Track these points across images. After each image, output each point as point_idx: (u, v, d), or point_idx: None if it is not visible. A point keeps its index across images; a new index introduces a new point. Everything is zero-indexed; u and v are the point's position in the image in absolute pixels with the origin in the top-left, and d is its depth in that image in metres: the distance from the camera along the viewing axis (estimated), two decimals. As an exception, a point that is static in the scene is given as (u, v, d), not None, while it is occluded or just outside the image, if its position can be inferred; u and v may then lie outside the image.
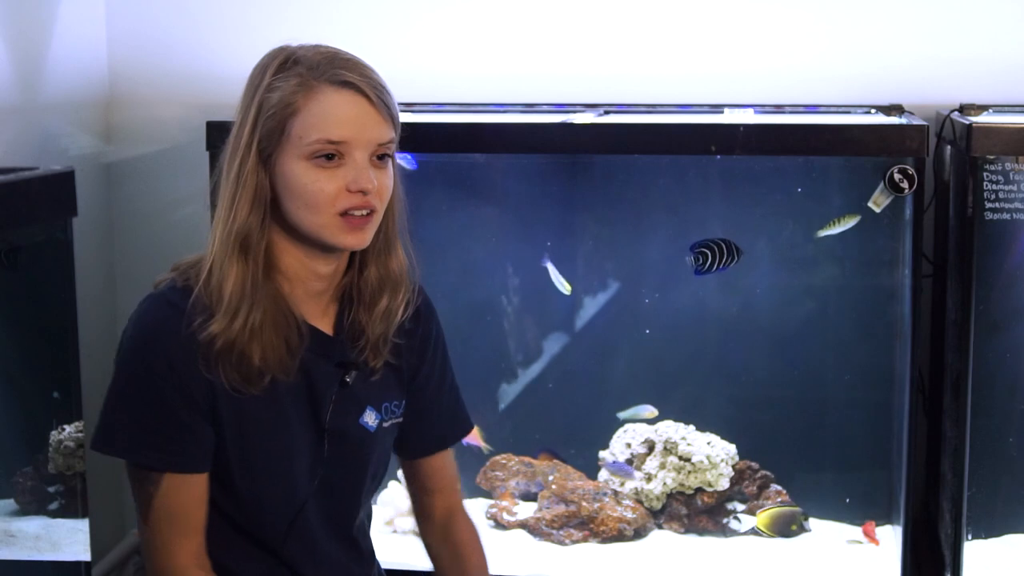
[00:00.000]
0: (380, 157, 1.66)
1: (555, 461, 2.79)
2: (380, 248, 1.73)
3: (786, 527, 2.60)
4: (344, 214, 1.63)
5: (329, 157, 1.62)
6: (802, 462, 2.72)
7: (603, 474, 2.73)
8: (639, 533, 2.68)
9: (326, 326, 1.73)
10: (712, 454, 2.68)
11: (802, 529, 2.61)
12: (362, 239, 1.65)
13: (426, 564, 1.95)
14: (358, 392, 1.75)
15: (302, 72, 1.62)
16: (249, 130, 1.64)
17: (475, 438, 2.73)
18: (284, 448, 1.70)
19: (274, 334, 1.64)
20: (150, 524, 1.66)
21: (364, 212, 1.64)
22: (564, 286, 2.67)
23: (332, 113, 1.61)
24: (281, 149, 1.63)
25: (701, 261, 2.46)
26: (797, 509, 2.61)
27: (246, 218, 1.63)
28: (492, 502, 2.77)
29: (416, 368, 1.83)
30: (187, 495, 1.66)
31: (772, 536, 2.60)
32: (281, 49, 1.67)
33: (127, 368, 1.65)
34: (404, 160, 2.45)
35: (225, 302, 1.61)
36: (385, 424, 1.79)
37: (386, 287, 1.73)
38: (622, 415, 2.74)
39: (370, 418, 1.76)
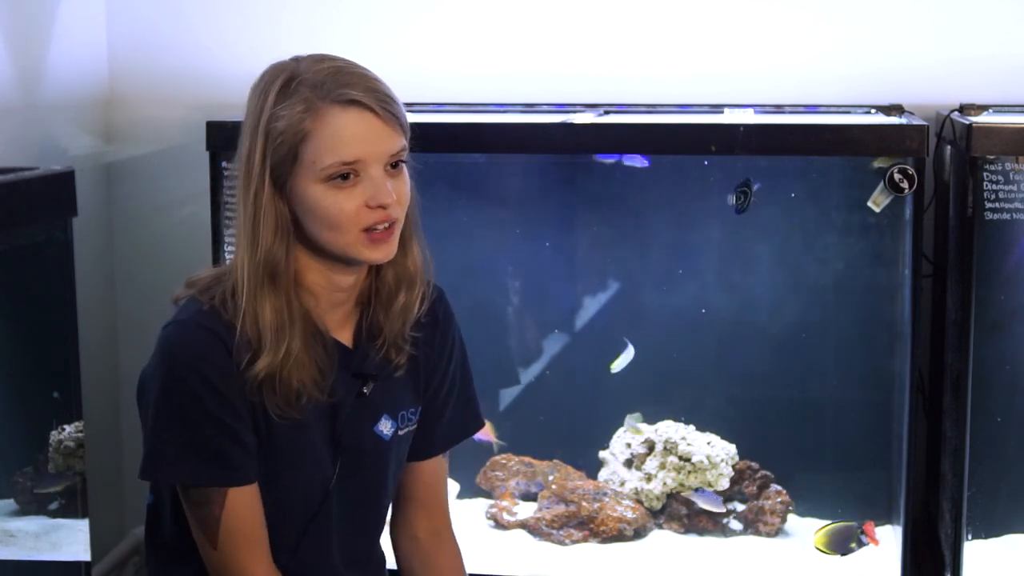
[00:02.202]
0: (394, 165, 1.65)
1: (556, 461, 2.79)
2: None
3: (844, 544, 2.53)
4: (367, 230, 1.63)
5: (344, 177, 1.61)
6: (802, 462, 2.72)
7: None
8: (639, 533, 2.68)
9: (345, 337, 1.73)
10: (712, 454, 2.68)
11: (860, 544, 2.53)
12: (388, 251, 1.66)
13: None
14: (375, 401, 1.75)
15: (307, 95, 1.60)
16: (260, 159, 1.62)
17: (487, 434, 2.74)
18: (305, 459, 1.70)
19: (306, 355, 1.64)
20: (220, 546, 1.65)
21: (386, 225, 1.64)
22: (622, 360, 2.69)
23: (342, 134, 1.60)
24: (295, 175, 1.62)
25: (743, 200, 2.44)
26: (853, 524, 2.56)
27: (271, 247, 1.62)
28: (492, 502, 2.77)
29: (432, 374, 1.83)
30: (250, 508, 1.66)
31: (831, 554, 2.53)
32: (280, 68, 1.64)
33: (168, 395, 1.63)
34: (636, 160, 2.45)
35: (267, 336, 1.61)
36: (400, 432, 1.79)
37: (403, 285, 1.74)
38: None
39: (385, 427, 1.76)
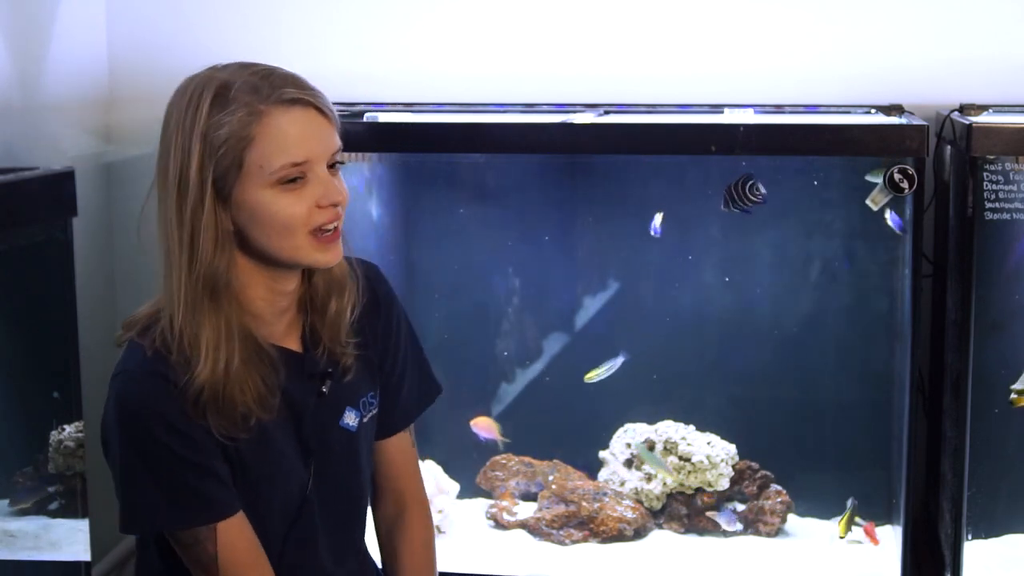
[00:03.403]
0: (332, 165, 1.63)
1: (556, 461, 2.80)
2: None
3: (853, 520, 2.60)
4: (316, 232, 1.60)
5: (293, 179, 1.58)
6: (802, 462, 2.72)
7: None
8: (639, 533, 2.68)
9: (294, 343, 1.71)
10: (712, 454, 2.68)
11: (854, 506, 2.61)
12: (337, 254, 1.64)
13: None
14: (335, 396, 1.74)
15: (247, 100, 1.57)
16: (197, 172, 1.57)
17: (492, 432, 2.74)
18: (280, 471, 1.69)
19: (247, 374, 1.61)
20: None
21: (333, 226, 1.61)
22: (603, 372, 2.70)
23: (290, 134, 1.58)
24: (240, 182, 1.58)
25: (756, 193, 2.44)
26: (849, 502, 2.60)
27: (211, 261, 1.58)
28: (492, 502, 2.77)
29: (383, 352, 1.82)
30: (242, 537, 1.64)
31: (850, 531, 2.60)
32: (205, 79, 1.61)
33: (132, 447, 1.60)
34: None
35: (203, 351, 1.58)
36: (365, 419, 1.78)
37: (332, 291, 1.72)
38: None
39: (350, 418, 1.75)
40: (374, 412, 1.81)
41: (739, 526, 2.66)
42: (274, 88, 1.58)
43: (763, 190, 2.43)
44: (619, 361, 2.67)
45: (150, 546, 1.73)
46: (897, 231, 2.43)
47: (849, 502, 2.60)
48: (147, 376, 1.59)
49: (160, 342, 1.61)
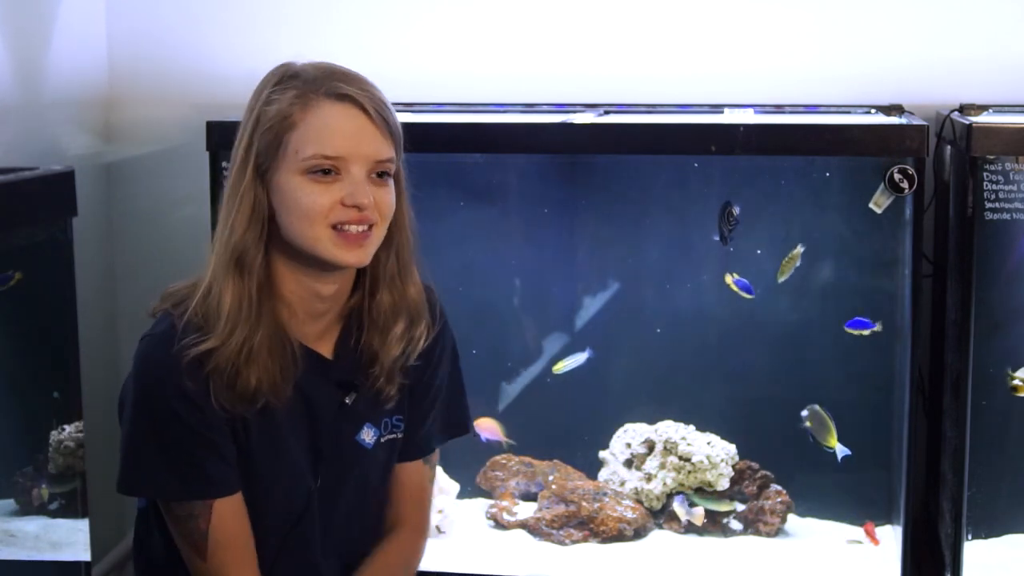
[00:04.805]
0: (380, 175, 1.63)
1: (556, 461, 2.79)
2: (393, 273, 1.70)
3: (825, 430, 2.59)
4: (339, 229, 1.60)
5: (326, 172, 1.59)
6: (802, 462, 2.72)
7: (604, 473, 2.71)
8: (639, 533, 2.67)
9: (325, 349, 1.71)
10: (712, 454, 2.68)
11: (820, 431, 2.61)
12: (361, 256, 1.63)
13: (424, 565, 1.94)
14: (358, 410, 1.73)
15: (299, 85, 1.60)
16: (246, 145, 1.61)
17: (495, 433, 2.74)
18: (284, 470, 1.69)
19: (270, 359, 1.61)
20: (210, 559, 1.63)
21: (361, 228, 1.61)
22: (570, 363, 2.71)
23: (329, 127, 1.59)
24: (278, 164, 1.60)
25: (731, 223, 2.46)
26: (807, 428, 2.59)
27: (243, 234, 1.60)
28: (492, 502, 2.77)
29: (416, 380, 1.81)
30: (236, 518, 1.65)
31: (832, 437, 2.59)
32: (282, 66, 1.65)
33: (145, 410, 1.62)
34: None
35: (223, 320, 1.59)
36: (383, 439, 1.77)
37: (401, 313, 1.71)
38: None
39: (367, 435, 1.74)
40: (396, 436, 1.79)
41: (694, 513, 2.65)
42: (331, 81, 1.61)
43: (736, 212, 2.46)
44: (584, 356, 2.68)
45: (154, 533, 1.73)
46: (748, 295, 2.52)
47: (807, 428, 2.58)
48: (173, 343, 1.60)
49: (192, 314, 1.62)
